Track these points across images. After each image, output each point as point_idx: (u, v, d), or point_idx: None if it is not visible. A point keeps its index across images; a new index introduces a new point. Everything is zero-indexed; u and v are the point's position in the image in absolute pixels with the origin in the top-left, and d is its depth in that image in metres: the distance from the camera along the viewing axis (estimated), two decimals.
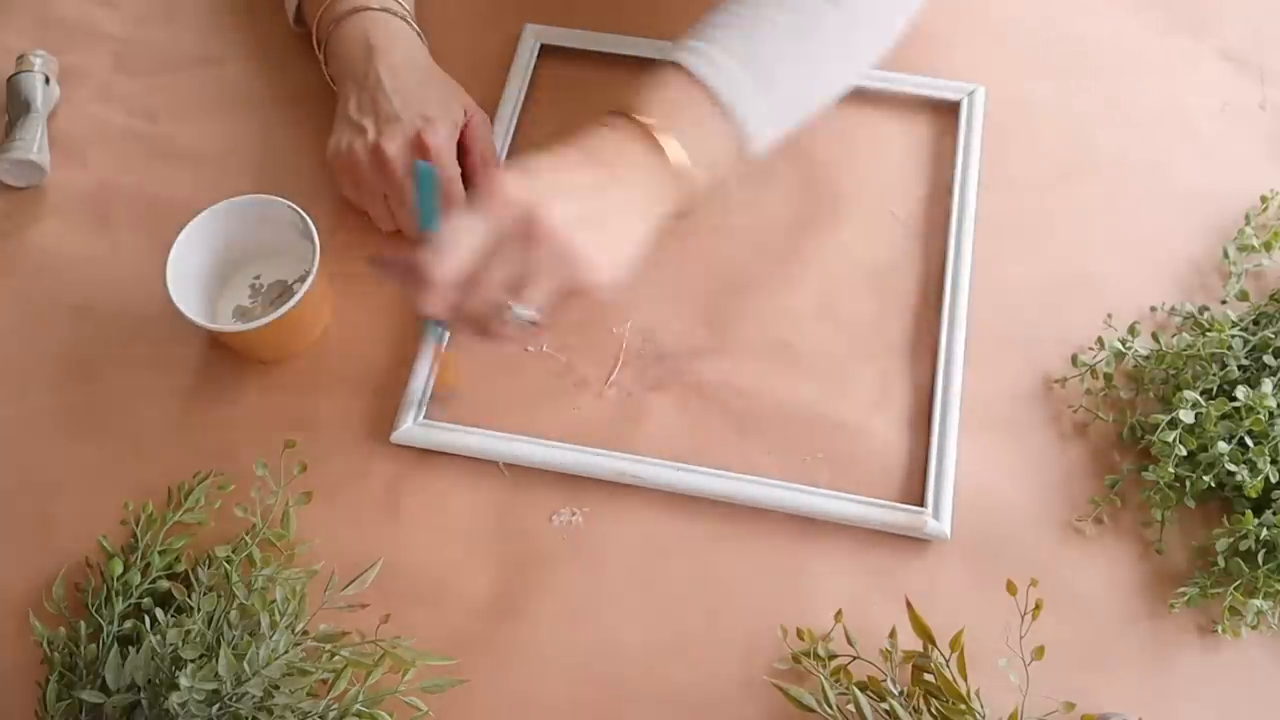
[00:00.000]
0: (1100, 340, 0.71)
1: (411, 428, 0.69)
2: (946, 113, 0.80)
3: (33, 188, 0.79)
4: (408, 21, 0.77)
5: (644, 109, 0.59)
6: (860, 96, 0.80)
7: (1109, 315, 0.71)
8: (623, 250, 0.58)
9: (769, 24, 0.61)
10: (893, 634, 0.61)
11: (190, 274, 0.69)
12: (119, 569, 0.63)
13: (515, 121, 0.80)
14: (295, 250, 0.71)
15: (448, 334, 0.60)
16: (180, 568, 0.64)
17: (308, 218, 0.69)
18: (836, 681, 0.59)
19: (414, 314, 0.56)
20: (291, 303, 0.66)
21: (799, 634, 0.62)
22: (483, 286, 0.55)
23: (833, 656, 0.61)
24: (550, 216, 0.54)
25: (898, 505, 0.66)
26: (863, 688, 0.58)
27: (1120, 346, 0.70)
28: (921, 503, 0.66)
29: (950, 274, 0.73)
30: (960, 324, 0.71)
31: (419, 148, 0.70)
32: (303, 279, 0.68)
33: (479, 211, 0.55)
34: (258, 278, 0.74)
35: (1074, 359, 0.70)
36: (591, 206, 0.56)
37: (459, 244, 0.54)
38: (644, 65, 0.82)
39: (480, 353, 0.72)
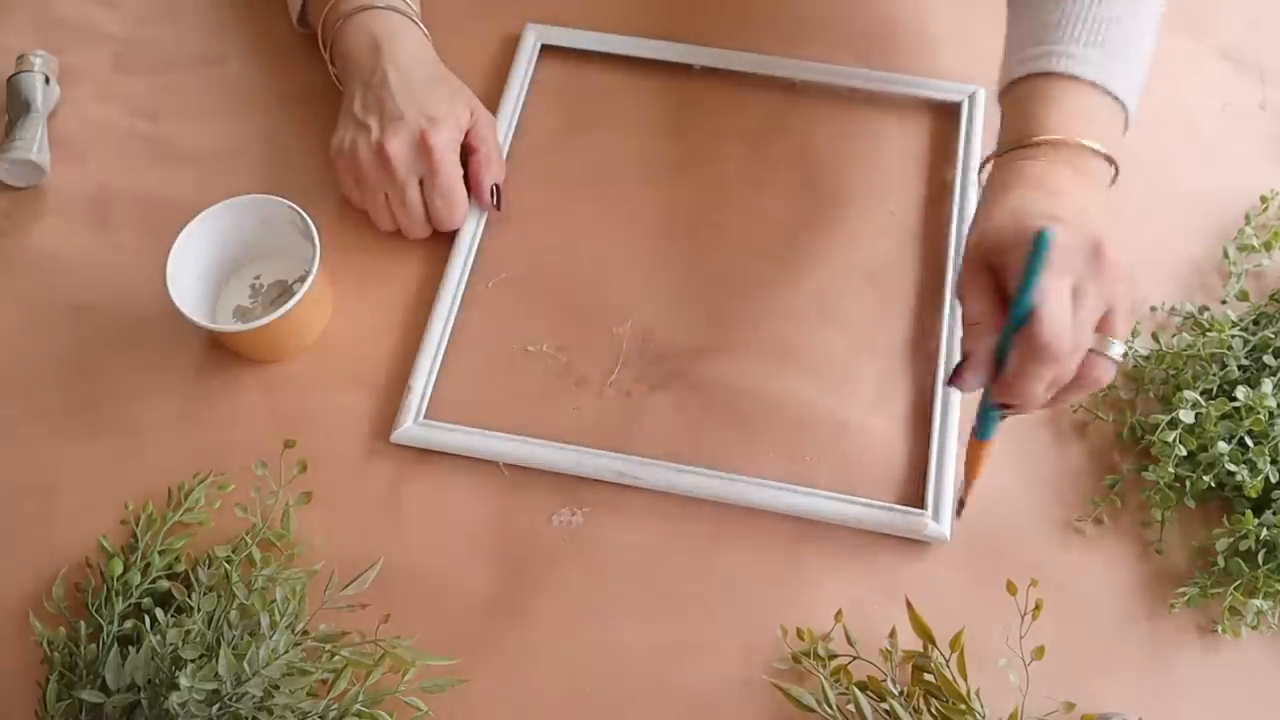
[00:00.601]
0: None
1: (411, 427, 0.69)
2: (947, 114, 0.80)
3: (33, 188, 0.79)
4: (414, 20, 0.77)
5: (1045, 128, 0.59)
6: (861, 97, 0.81)
7: None
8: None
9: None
10: (893, 634, 0.61)
11: (190, 274, 0.69)
12: (119, 569, 0.63)
13: (516, 121, 0.80)
14: (295, 250, 0.71)
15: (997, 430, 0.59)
16: (180, 568, 0.64)
17: (308, 218, 0.69)
18: (836, 681, 0.59)
19: (978, 410, 0.57)
20: (291, 303, 0.66)
21: (799, 634, 0.62)
22: (1082, 339, 0.53)
23: (833, 656, 0.61)
24: (1104, 240, 0.53)
25: (897, 507, 0.66)
26: (863, 688, 0.58)
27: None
28: (921, 504, 0.66)
29: (950, 274, 0.73)
30: (960, 324, 0.71)
31: (422, 148, 0.71)
32: (303, 279, 0.68)
33: (1054, 269, 0.52)
34: (258, 278, 0.74)
35: None
36: (1097, 223, 0.55)
37: (1065, 307, 0.52)
38: (646, 65, 0.82)
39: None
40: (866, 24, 0.84)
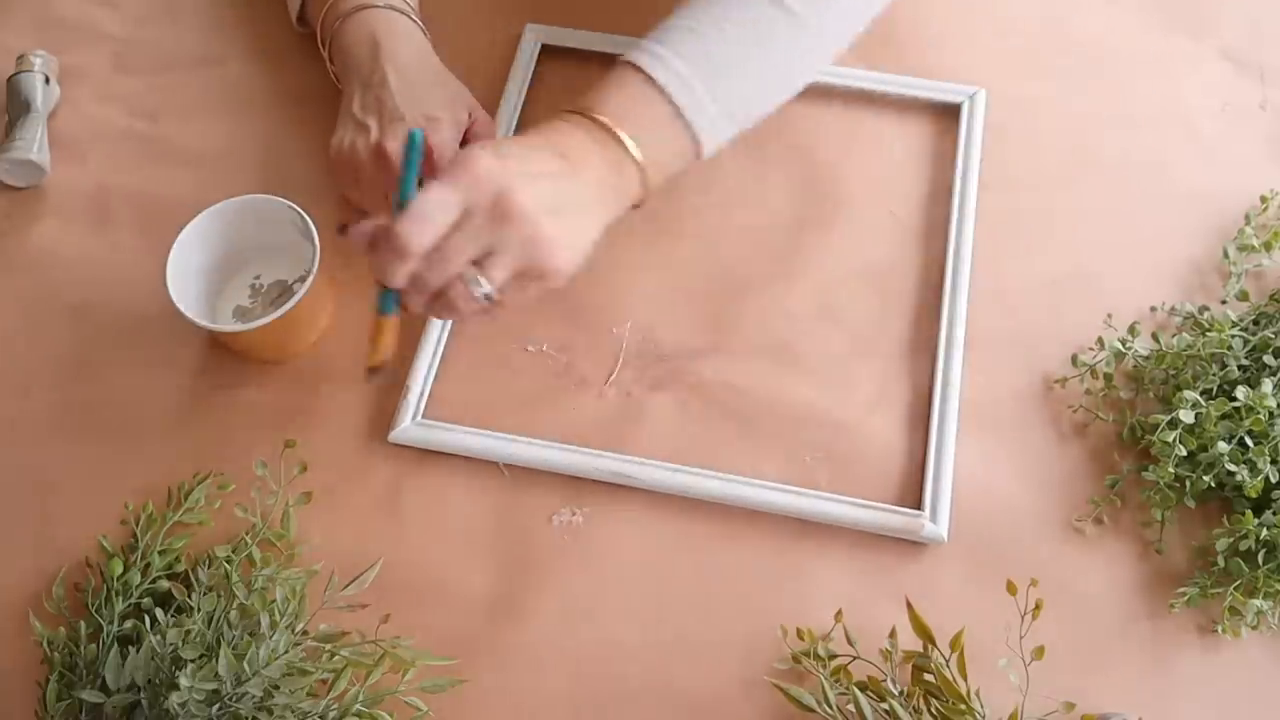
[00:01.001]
0: (1100, 340, 0.71)
1: (409, 427, 0.69)
2: (947, 115, 0.80)
3: (33, 188, 0.79)
4: (413, 19, 0.77)
5: (601, 108, 0.61)
6: (861, 97, 0.81)
7: (1109, 315, 0.71)
8: (580, 239, 0.60)
9: (723, 30, 0.63)
10: (893, 634, 0.61)
11: (190, 274, 0.69)
12: (119, 569, 0.63)
13: (515, 122, 0.80)
14: (295, 250, 0.71)
15: (397, 309, 0.61)
16: (180, 568, 0.64)
17: (308, 218, 0.69)
18: (836, 681, 0.59)
19: (372, 283, 0.59)
20: (291, 303, 0.66)
21: (799, 634, 0.62)
22: (448, 258, 0.56)
23: (833, 656, 0.61)
24: (521, 197, 0.56)
25: (895, 508, 0.66)
26: (863, 688, 0.58)
27: (1120, 346, 0.70)
28: (919, 505, 0.66)
29: (950, 274, 0.73)
30: (960, 324, 0.71)
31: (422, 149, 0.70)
32: (303, 279, 0.68)
33: (452, 184, 0.56)
34: (258, 278, 0.74)
35: (1074, 359, 0.70)
36: (556, 194, 0.58)
37: (433, 214, 0.55)
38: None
39: (476, 354, 0.72)
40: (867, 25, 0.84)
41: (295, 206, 0.69)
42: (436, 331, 0.72)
